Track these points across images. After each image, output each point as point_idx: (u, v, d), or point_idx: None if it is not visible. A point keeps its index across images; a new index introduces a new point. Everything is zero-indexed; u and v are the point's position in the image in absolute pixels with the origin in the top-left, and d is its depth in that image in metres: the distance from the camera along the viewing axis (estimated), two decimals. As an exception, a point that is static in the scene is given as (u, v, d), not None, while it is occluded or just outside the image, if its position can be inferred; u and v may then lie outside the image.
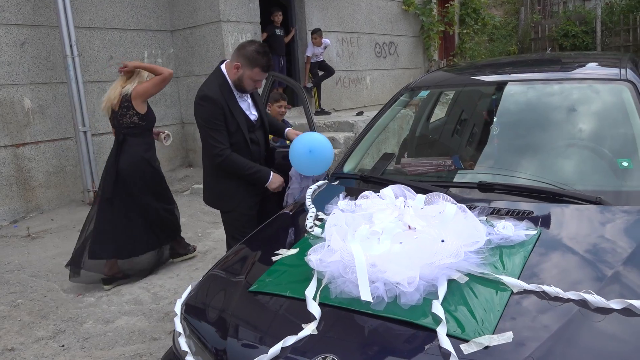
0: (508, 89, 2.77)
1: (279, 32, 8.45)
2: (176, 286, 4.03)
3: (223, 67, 2.91)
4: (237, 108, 2.88)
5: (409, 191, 2.03)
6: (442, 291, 1.56)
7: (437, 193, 1.98)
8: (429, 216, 1.79)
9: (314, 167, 2.83)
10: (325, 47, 8.72)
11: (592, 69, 2.85)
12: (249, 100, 2.99)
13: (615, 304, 1.44)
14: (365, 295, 1.55)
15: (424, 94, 3.21)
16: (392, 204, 1.92)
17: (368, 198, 2.04)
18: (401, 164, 2.70)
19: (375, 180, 2.57)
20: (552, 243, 1.80)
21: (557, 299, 1.49)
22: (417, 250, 1.61)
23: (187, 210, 6.07)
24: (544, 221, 1.92)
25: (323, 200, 2.59)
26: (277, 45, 8.33)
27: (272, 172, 2.92)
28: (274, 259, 2.00)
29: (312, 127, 3.28)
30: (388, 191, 2.03)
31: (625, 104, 2.42)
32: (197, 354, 1.74)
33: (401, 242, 1.65)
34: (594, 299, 1.45)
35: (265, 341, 1.57)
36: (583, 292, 1.48)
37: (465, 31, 13.28)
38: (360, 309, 1.56)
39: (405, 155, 3.08)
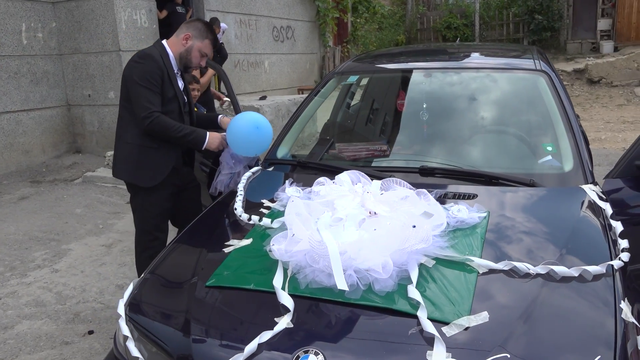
0: (436, 75, 2.87)
1: (180, 9, 8.02)
2: (83, 284, 3.69)
3: (165, 42, 2.72)
4: (175, 80, 2.69)
5: (364, 177, 2.02)
6: (414, 276, 1.57)
7: (392, 178, 2.00)
8: (392, 201, 1.79)
9: (257, 145, 2.70)
10: (223, 32, 8.44)
11: (510, 59, 3.04)
12: (182, 82, 2.80)
13: (574, 271, 1.56)
14: (341, 284, 1.52)
15: (353, 79, 3.22)
16: (351, 190, 1.90)
17: (325, 184, 1.99)
18: (337, 149, 2.68)
19: (314, 166, 2.53)
20: (501, 223, 1.90)
21: (526, 275, 1.58)
22: (388, 236, 1.60)
23: (82, 200, 5.59)
24: (490, 203, 2.01)
25: (261, 187, 2.51)
26: (179, 23, 7.89)
27: (207, 132, 2.71)
28: (227, 250, 1.89)
29: (237, 110, 3.15)
30: (345, 177, 2.00)
31: (541, 93, 2.61)
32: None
33: (375, 229, 1.63)
34: (560, 269, 1.55)
35: (237, 339, 1.47)
36: (546, 264, 1.58)
37: (357, 19, 13.61)
38: (335, 298, 1.53)
39: (332, 140, 3.07)
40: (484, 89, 2.74)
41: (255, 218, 2.06)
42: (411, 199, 1.80)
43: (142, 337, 1.64)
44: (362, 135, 2.94)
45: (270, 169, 2.67)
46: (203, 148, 2.71)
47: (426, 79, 2.84)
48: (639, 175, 2.41)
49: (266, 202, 2.22)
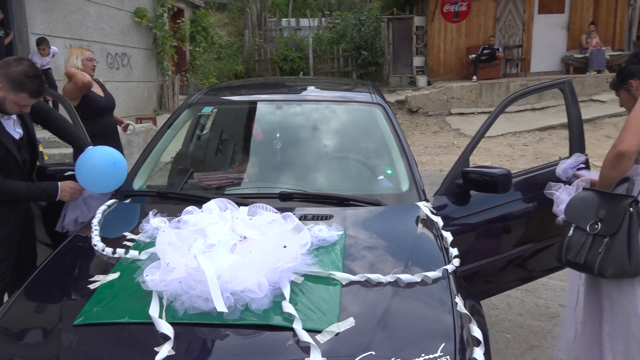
0: (287, 107, 3.09)
1: (-3, 32, 7.29)
2: None
3: None
4: (1, 129, 2.46)
5: (231, 204, 2.11)
6: (287, 292, 1.71)
7: (258, 204, 2.12)
8: (261, 225, 1.91)
9: (112, 182, 2.61)
10: (54, 55, 7.88)
11: (351, 92, 3.39)
12: (14, 116, 2.58)
13: (417, 277, 1.84)
14: (220, 306, 1.59)
15: (207, 110, 3.29)
16: (221, 217, 1.98)
17: (193, 213, 2.04)
18: (197, 179, 2.73)
19: (175, 196, 2.55)
20: (355, 239, 2.13)
21: (379, 284, 1.81)
22: (262, 257, 1.72)
23: None
24: (344, 222, 2.24)
25: (120, 220, 2.46)
26: (-4, 50, 7.17)
27: (58, 184, 2.56)
28: (92, 286, 1.83)
29: (86, 142, 3.01)
30: (212, 205, 2.07)
31: (379, 123, 2.97)
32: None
33: (250, 252, 1.73)
34: (406, 277, 1.81)
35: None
36: (394, 273, 1.83)
37: (196, 48, 13.60)
38: (214, 321, 1.60)
39: (191, 170, 3.10)
40: (330, 120, 3.03)
41: (120, 251, 2.02)
42: (278, 222, 1.95)
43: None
44: (219, 164, 3.03)
45: (127, 201, 2.62)
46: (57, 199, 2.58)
47: (279, 110, 3.05)
48: (459, 192, 2.87)
49: (129, 235, 2.19)
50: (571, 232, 2.25)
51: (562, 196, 2.46)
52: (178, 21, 12.57)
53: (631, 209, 2.06)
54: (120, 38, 10.40)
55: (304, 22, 16.79)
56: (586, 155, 3.22)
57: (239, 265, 1.73)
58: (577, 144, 3.25)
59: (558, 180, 3.12)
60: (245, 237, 1.87)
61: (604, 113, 10.85)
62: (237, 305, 1.63)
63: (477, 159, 8.10)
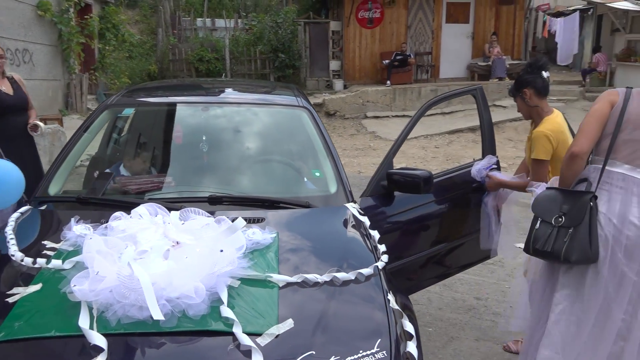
0: (214, 109, 3.04)
1: None
2: None
3: None
4: None
5: (161, 209, 2.05)
6: (224, 297, 1.69)
7: (190, 208, 2.08)
8: (194, 230, 1.88)
9: (9, 196, 2.43)
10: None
11: (277, 96, 3.40)
12: None
13: (352, 275, 1.89)
14: (157, 314, 1.55)
15: (128, 111, 3.16)
16: (152, 222, 1.92)
17: (122, 219, 1.96)
18: (120, 183, 2.62)
19: (98, 202, 2.44)
20: (289, 241, 2.15)
21: (316, 283, 1.84)
22: (198, 262, 1.70)
23: None
24: (277, 224, 2.26)
25: (36, 228, 2.31)
26: None
27: None
28: (11, 300, 1.71)
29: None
30: (142, 210, 2.00)
31: (305, 126, 3.01)
32: None
33: (186, 257, 1.70)
34: (341, 275, 1.86)
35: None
36: (330, 272, 1.87)
37: (106, 47, 12.98)
38: (151, 330, 1.55)
39: (113, 174, 2.97)
40: (257, 123, 3.02)
41: (41, 261, 1.90)
42: (212, 225, 1.92)
43: None
44: (143, 168, 2.92)
45: (43, 207, 2.47)
46: None
47: (205, 113, 3.00)
48: (384, 193, 2.98)
49: (49, 243, 2.06)
50: (538, 225, 2.48)
51: (538, 191, 2.68)
52: (86, 17, 11.91)
53: (591, 203, 2.34)
54: (21, 33, 9.68)
55: (220, 22, 16.56)
56: (497, 157, 3.46)
57: (174, 271, 1.69)
58: (488, 146, 3.49)
59: (473, 180, 3.33)
60: (178, 243, 1.83)
61: (506, 117, 11.67)
62: (174, 312, 1.59)
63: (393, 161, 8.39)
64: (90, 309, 1.61)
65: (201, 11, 17.83)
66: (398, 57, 13.41)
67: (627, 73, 12.93)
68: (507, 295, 3.98)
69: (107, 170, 2.91)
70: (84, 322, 1.55)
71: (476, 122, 3.73)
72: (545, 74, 3.05)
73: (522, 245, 3.94)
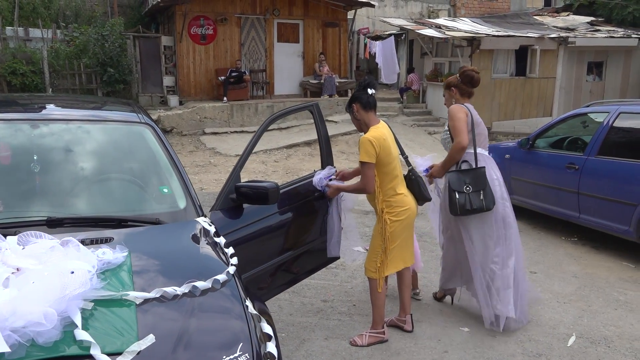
0: (45, 127, 2.82)
1: None
2: None
3: None
4: None
5: (-6, 235, 1.87)
6: (78, 320, 1.62)
7: (30, 232, 1.93)
8: (39, 254, 1.76)
9: None
10: None
11: (116, 112, 3.25)
12: None
13: (209, 283, 1.94)
14: (2, 347, 1.44)
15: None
16: (-14, 250, 1.75)
17: (-52, 248, 1.75)
18: None
19: None
20: (142, 258, 2.12)
21: (175, 296, 1.85)
22: (46, 287, 1.60)
23: None
24: (127, 242, 2.20)
25: None
26: None
27: None
28: None
29: None
30: (-29, 237, 1.81)
31: (149, 143, 2.95)
32: None
33: (33, 282, 1.59)
34: (199, 284, 1.90)
35: None
36: (188, 283, 1.90)
37: None
38: (-4, 365, 1.43)
39: None
40: (97, 140, 2.88)
41: None
42: (57, 248, 1.82)
43: None
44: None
45: None
46: None
47: (36, 130, 2.77)
48: (234, 206, 3.06)
49: None
50: (457, 196, 3.67)
51: (439, 181, 4.02)
52: None
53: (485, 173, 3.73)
54: None
55: (35, 32, 15.04)
56: (335, 167, 3.76)
57: (17, 299, 1.57)
58: (326, 158, 3.77)
59: (315, 189, 3.58)
60: (19, 269, 1.70)
61: (337, 132, 12.50)
62: (22, 341, 1.49)
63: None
64: None
65: (11, 19, 16.03)
66: (233, 74, 13.56)
67: (435, 91, 14.74)
68: (350, 295, 4.31)
69: None
70: None
71: (311, 136, 4.07)
72: (370, 91, 3.46)
73: (360, 249, 4.33)
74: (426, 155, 4.15)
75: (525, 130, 12.94)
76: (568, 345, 3.61)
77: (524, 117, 14.51)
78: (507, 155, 6.83)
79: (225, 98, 13.36)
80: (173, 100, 13.70)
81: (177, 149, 11.60)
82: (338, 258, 3.90)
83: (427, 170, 4.01)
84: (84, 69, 13.61)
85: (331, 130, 12.58)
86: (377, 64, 17.05)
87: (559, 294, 4.50)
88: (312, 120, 3.86)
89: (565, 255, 5.53)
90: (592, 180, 5.58)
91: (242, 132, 12.61)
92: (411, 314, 3.74)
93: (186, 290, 1.88)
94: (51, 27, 15.33)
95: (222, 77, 13.61)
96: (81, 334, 1.57)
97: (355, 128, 3.71)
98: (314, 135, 10.23)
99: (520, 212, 6.78)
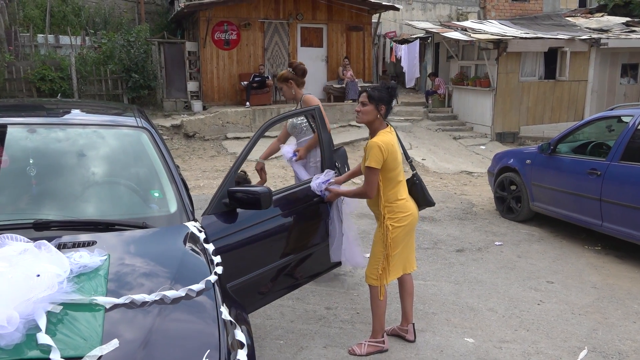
0: (42, 131, 2.86)
1: None
2: None
3: None
4: None
5: (-31, 237, 1.88)
6: (42, 323, 1.61)
7: (6, 235, 1.94)
8: (9, 257, 1.76)
9: None
10: None
11: (113, 116, 3.28)
12: None
13: (182, 292, 1.91)
14: (-41, 350, 1.43)
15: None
16: (-43, 252, 1.76)
17: None
18: None
19: None
20: (122, 263, 2.10)
21: (144, 303, 1.82)
22: (10, 289, 1.60)
23: None
24: (110, 246, 2.19)
25: None
26: None
27: None
28: None
29: None
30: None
31: (145, 147, 2.95)
32: None
33: (-6, 284, 1.58)
34: (171, 293, 1.87)
35: None
36: (161, 291, 1.87)
37: None
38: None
39: None
40: (92, 145, 2.90)
41: None
42: (31, 251, 1.82)
43: None
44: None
45: None
46: None
47: (31, 135, 2.81)
48: (227, 210, 3.03)
49: None
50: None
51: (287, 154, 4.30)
52: None
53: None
54: None
55: (65, 39, 15.46)
56: (335, 171, 3.70)
57: (-19, 301, 1.57)
58: (327, 161, 3.72)
59: (314, 194, 3.53)
60: (-8, 271, 1.70)
61: (360, 137, 12.40)
62: (-19, 345, 1.48)
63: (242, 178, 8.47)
64: None
65: (42, 27, 16.52)
66: (256, 79, 13.63)
67: (461, 94, 14.51)
68: (355, 302, 4.23)
69: None
70: None
71: (336, 140, 4.00)
72: (394, 102, 3.49)
73: (368, 255, 4.27)
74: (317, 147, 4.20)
75: (555, 135, 12.61)
76: None
77: (554, 122, 14.11)
78: (527, 161, 6.64)
79: (247, 103, 13.44)
80: (197, 105, 13.85)
81: (199, 154, 11.71)
82: (340, 263, 3.84)
83: (294, 154, 4.36)
84: (110, 75, 13.89)
85: (355, 134, 12.53)
86: (402, 67, 16.91)
87: (575, 304, 4.32)
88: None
89: (586, 264, 5.32)
90: (614, 187, 5.37)
91: (264, 137, 12.62)
92: (413, 323, 3.64)
93: (157, 298, 1.86)
94: (80, 34, 15.71)
95: (245, 82, 13.70)
96: (43, 338, 1.55)
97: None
98: (338, 139, 10.15)
99: (542, 219, 6.60)
